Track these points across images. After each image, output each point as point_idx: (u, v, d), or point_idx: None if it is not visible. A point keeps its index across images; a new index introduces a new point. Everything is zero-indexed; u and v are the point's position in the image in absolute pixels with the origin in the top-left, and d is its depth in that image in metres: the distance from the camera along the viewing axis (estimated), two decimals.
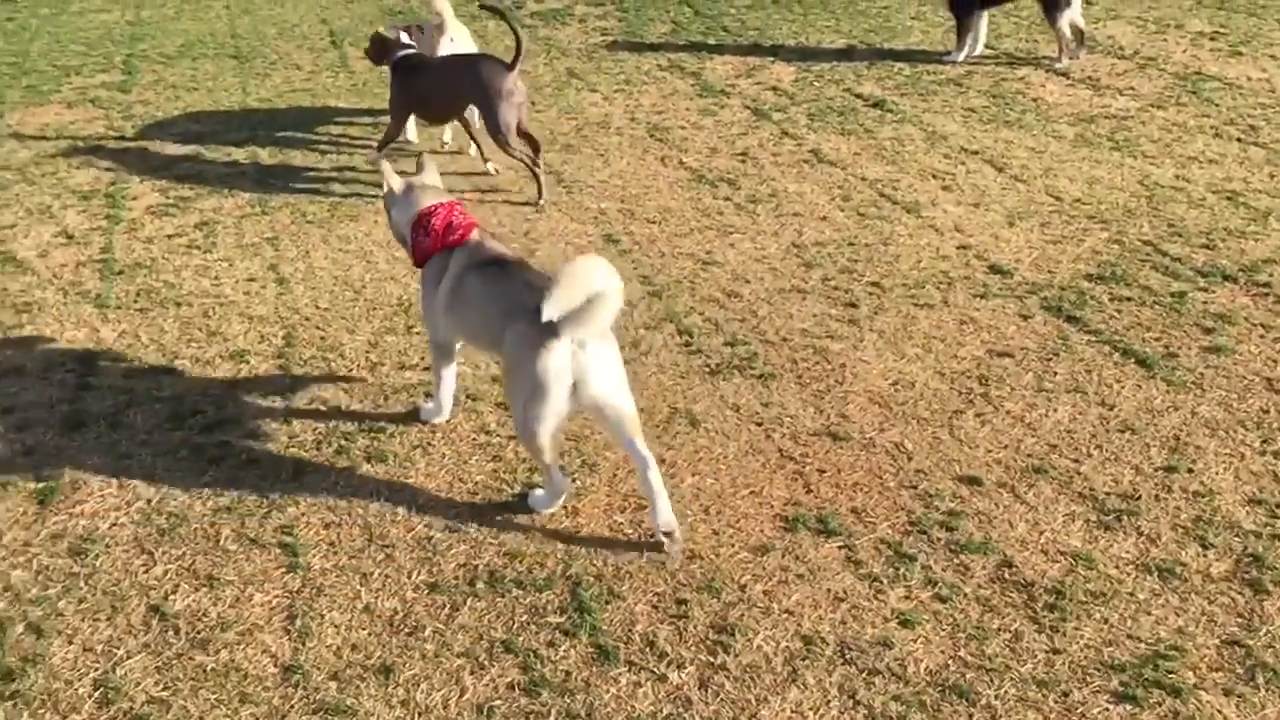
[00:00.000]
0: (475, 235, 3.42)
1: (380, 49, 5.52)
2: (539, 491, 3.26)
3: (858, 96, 6.73)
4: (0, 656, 2.72)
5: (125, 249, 4.94)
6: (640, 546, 3.05)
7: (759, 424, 3.60)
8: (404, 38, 5.57)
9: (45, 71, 7.65)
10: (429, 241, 3.42)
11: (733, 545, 3.05)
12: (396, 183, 3.59)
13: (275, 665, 2.71)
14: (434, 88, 5.33)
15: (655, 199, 5.37)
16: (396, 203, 3.60)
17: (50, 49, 8.20)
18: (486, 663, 2.70)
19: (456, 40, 5.82)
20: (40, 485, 3.37)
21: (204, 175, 5.77)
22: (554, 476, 3.17)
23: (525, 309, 3.00)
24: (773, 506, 3.21)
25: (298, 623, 2.83)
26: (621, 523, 3.16)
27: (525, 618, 2.83)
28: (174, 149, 6.13)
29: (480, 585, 2.94)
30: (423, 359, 3.99)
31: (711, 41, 8.05)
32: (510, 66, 5.06)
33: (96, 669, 2.70)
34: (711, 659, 2.69)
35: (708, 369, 3.92)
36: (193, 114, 6.70)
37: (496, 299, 3.21)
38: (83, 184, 5.69)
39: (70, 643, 2.77)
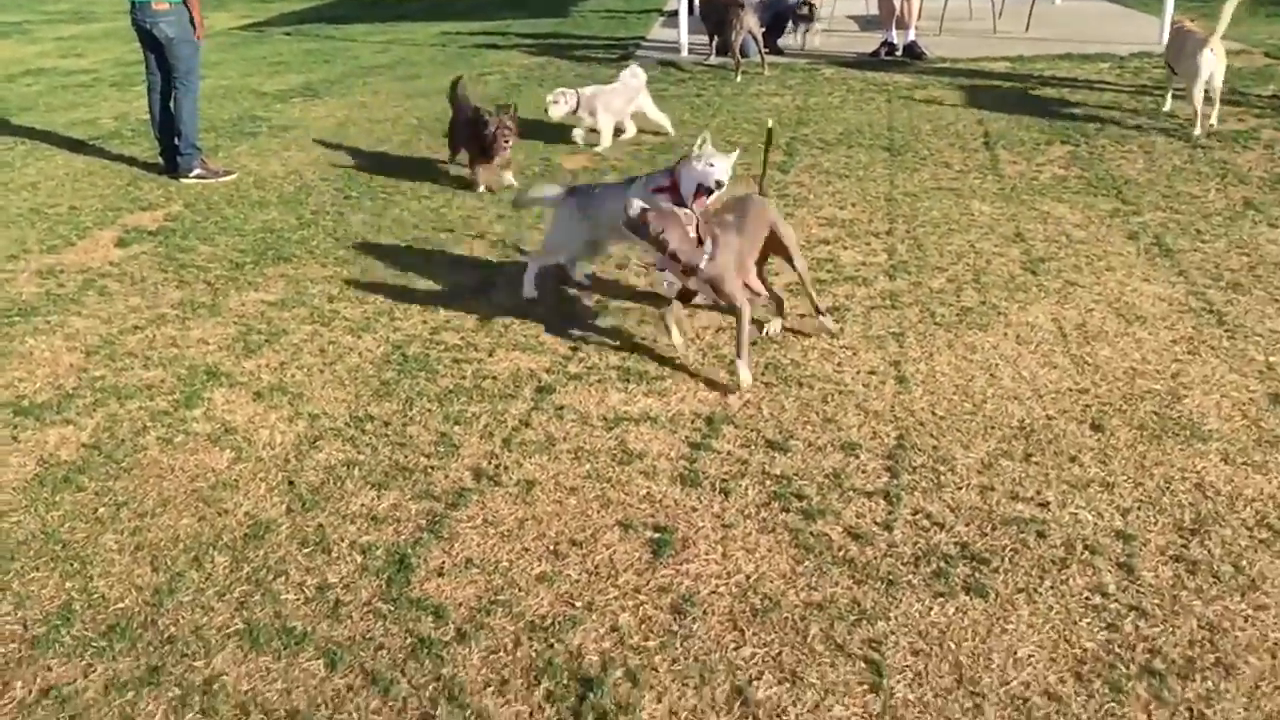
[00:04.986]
0: None
1: None
2: None
3: None
4: (599, 696, 2.89)
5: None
6: None
7: None
8: None
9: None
10: None
11: None
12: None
13: None
14: None
15: None
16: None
17: (725, 126, 9.02)
18: None
19: None
20: (655, 535, 3.59)
21: (840, 261, 5.93)
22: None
23: None
24: None
25: None
26: None
27: None
28: (818, 231, 6.39)
29: None
30: (1038, 493, 3.71)
31: None
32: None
33: None
34: None
35: None
36: (839, 200, 6.96)
37: None
38: None
39: (659, 701, 2.87)
